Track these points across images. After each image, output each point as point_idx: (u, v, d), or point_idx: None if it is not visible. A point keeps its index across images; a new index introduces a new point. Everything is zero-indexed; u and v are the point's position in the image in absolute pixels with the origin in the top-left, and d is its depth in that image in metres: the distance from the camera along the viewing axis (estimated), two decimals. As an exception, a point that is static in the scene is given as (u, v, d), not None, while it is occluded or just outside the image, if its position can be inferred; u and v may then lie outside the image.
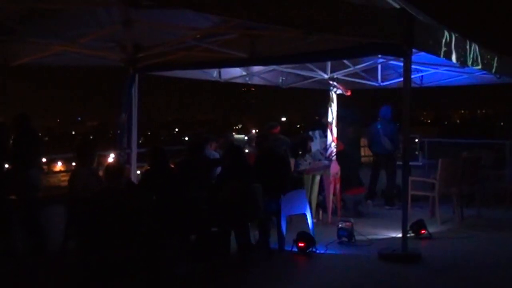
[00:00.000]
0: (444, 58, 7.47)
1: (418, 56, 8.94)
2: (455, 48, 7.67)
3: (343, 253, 7.35)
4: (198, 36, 7.32)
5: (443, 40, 7.38)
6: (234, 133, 61.61)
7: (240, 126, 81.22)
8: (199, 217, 6.42)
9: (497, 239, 8.17)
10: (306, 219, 7.88)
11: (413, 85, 11.99)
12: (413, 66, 10.50)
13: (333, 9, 5.61)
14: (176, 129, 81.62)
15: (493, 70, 9.20)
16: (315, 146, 10.24)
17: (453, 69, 10.11)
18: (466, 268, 6.70)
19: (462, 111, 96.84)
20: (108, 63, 8.74)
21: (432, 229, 8.19)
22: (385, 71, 11.17)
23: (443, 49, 7.35)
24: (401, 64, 10.38)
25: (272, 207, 7.32)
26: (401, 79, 11.19)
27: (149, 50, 7.99)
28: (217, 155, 9.00)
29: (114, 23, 6.98)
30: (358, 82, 10.77)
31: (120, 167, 6.27)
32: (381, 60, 10.19)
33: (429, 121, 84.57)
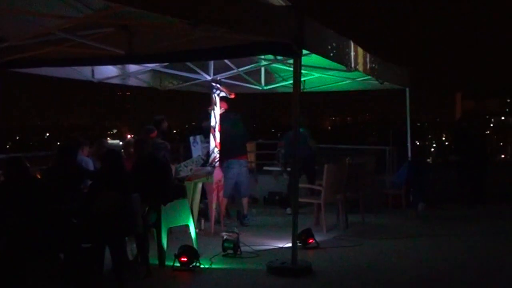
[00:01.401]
0: (334, 61, 7.22)
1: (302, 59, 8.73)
2: (343, 51, 7.46)
3: (229, 267, 6.82)
4: (67, 27, 6.43)
5: (333, 43, 7.13)
6: (108, 139, 59.72)
7: (115, 131, 78.86)
8: (69, 232, 5.62)
9: (384, 247, 8.03)
10: (189, 230, 7.30)
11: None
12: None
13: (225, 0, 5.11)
14: (47, 134, 77.50)
15: (377, 75, 9.16)
16: (196, 151, 9.72)
17: (337, 74, 9.98)
18: (359, 280, 6.41)
19: (333, 118, 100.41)
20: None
21: (318, 238, 7.90)
22: (268, 75, 10.86)
23: (333, 51, 7.10)
24: (285, 67, 10.33)
25: (151, 219, 6.67)
26: (284, 83, 11.20)
27: (10, 42, 7.00)
28: (90, 162, 8.20)
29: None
30: (242, 86, 10.34)
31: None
32: (264, 62, 9.86)
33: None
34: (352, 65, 7.83)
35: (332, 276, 6.51)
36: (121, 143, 14.41)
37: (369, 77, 9.69)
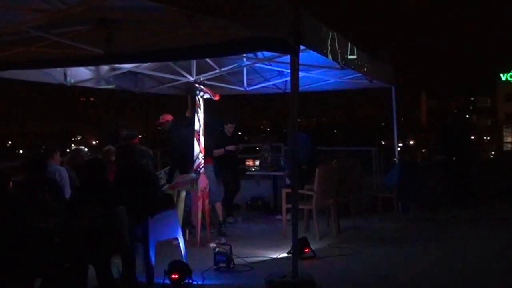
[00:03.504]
0: (330, 59, 6.76)
1: (286, 57, 8.26)
2: (338, 47, 7.01)
3: (224, 282, 6.30)
4: (38, 24, 5.79)
5: (328, 39, 6.68)
6: (72, 145, 58.33)
7: (79, 137, 77.25)
8: (50, 253, 4.99)
9: (383, 254, 7.60)
10: (178, 244, 6.74)
11: (277, 90, 11.42)
12: (278, 69, 9.92)
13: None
14: (9, 142, 75.23)
15: (367, 73, 8.76)
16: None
17: (323, 73, 9.55)
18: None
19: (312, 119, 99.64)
20: None
21: (312, 246, 7.39)
22: (250, 75, 10.36)
23: (329, 48, 6.65)
24: (268, 67, 9.85)
25: (137, 233, 6.09)
26: (266, 83, 10.72)
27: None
28: (64, 171, 7.57)
29: None
30: (224, 87, 9.80)
31: None
32: (247, 62, 9.36)
33: (268, 129, 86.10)
34: (347, 62, 7.41)
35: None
36: (86, 149, 13.62)
37: (357, 75, 9.32)
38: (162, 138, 9.60)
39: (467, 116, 73.19)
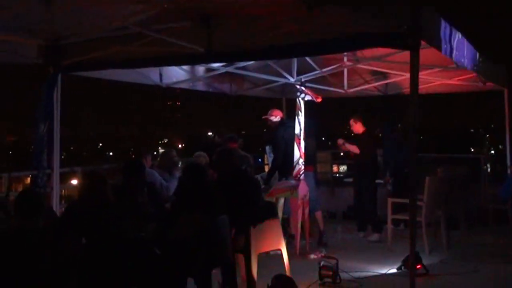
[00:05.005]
0: (447, 56, 6.11)
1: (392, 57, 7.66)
2: (456, 45, 6.34)
3: (332, 299, 5.80)
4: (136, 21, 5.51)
5: (446, 34, 6.03)
6: (159, 148, 59.34)
7: (165, 140, 78.56)
8: (149, 266, 4.63)
9: (502, 272, 6.86)
10: (282, 256, 6.28)
11: (376, 93, 10.80)
12: (381, 70, 9.32)
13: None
14: (100, 144, 77.48)
15: (482, 73, 8.01)
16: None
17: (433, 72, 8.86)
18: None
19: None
20: (18, 59, 6.64)
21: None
22: (350, 76, 9.80)
23: (448, 45, 6.01)
24: (366, 67, 9.23)
25: (239, 243, 5.68)
26: (367, 85, 10.12)
27: (75, 40, 6.10)
28: (155, 174, 7.33)
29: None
30: (323, 89, 9.27)
31: (37, 197, 4.46)
32: (349, 63, 8.82)
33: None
34: (463, 62, 6.72)
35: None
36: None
37: (468, 76, 8.60)
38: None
39: None
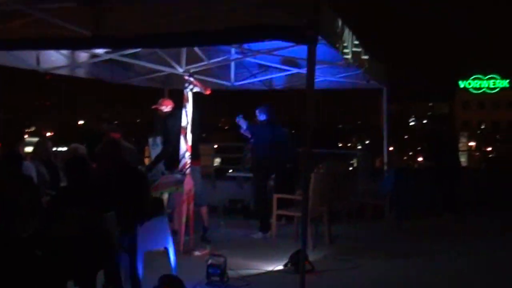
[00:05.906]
0: (340, 53, 6.14)
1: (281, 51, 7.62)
2: (348, 43, 6.40)
3: (219, 300, 5.62)
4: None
5: (343, 32, 6.07)
6: (26, 136, 56.21)
7: (33, 129, 74.60)
8: (31, 271, 4.17)
9: (384, 268, 7.05)
10: (168, 254, 6.01)
11: (261, 87, 10.76)
12: (267, 64, 9.28)
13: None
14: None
15: (367, 71, 8.19)
16: (155, 154, 8.49)
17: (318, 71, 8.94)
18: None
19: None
20: None
21: (307, 257, 6.79)
22: (237, 70, 9.68)
23: (343, 43, 6.04)
24: (256, 62, 9.18)
25: (124, 243, 5.34)
26: (255, 79, 10.04)
27: None
28: (30, 167, 6.80)
29: None
30: (210, 81, 9.04)
31: None
32: (235, 56, 8.70)
33: (226, 127, 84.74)
34: (354, 60, 6.81)
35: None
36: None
37: (353, 73, 8.78)
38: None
39: (424, 121, 74.01)
